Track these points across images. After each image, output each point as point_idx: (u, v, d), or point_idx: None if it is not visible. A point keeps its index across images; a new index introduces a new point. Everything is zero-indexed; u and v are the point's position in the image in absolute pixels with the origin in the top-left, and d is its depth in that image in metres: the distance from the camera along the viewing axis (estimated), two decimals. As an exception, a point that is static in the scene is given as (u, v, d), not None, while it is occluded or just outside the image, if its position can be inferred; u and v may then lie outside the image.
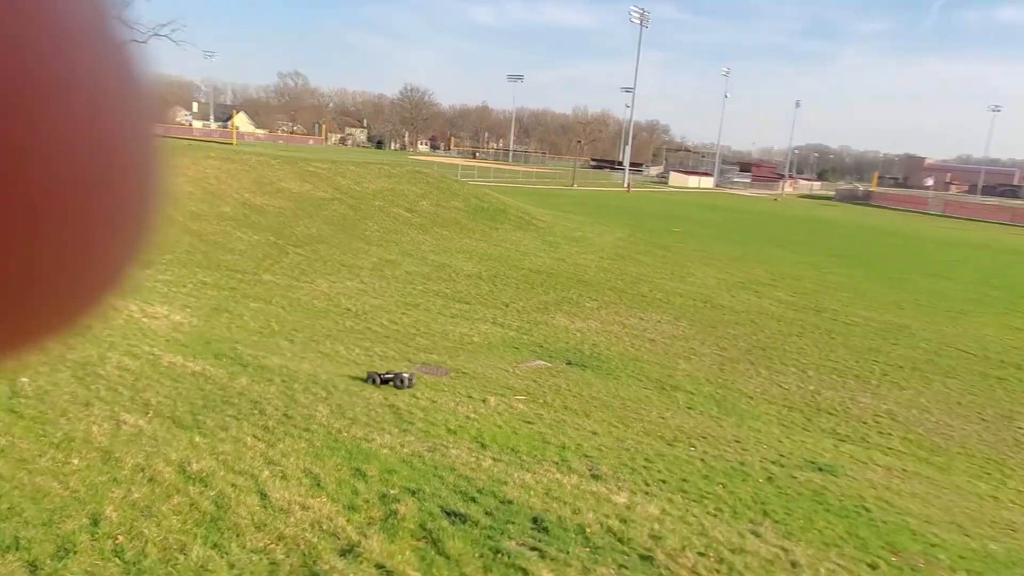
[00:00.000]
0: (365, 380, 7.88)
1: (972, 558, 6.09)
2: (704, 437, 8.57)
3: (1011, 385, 13.08)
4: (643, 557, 4.37)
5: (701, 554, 4.62)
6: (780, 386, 11.73)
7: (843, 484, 7.69)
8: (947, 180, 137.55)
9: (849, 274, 24.92)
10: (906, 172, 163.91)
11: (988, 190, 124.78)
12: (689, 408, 9.92)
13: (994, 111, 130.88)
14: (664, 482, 6.36)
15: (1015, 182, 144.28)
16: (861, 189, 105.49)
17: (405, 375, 8.00)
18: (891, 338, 15.73)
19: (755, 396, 11.03)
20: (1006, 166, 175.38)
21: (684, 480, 6.56)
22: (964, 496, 8.45)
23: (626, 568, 4.16)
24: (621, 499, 5.39)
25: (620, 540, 4.57)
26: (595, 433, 7.66)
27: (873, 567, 5.33)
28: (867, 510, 6.90)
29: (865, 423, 10.60)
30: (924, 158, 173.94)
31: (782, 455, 8.54)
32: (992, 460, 9.75)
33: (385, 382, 7.82)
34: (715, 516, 5.69)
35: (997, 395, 12.50)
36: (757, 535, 5.38)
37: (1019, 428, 11.01)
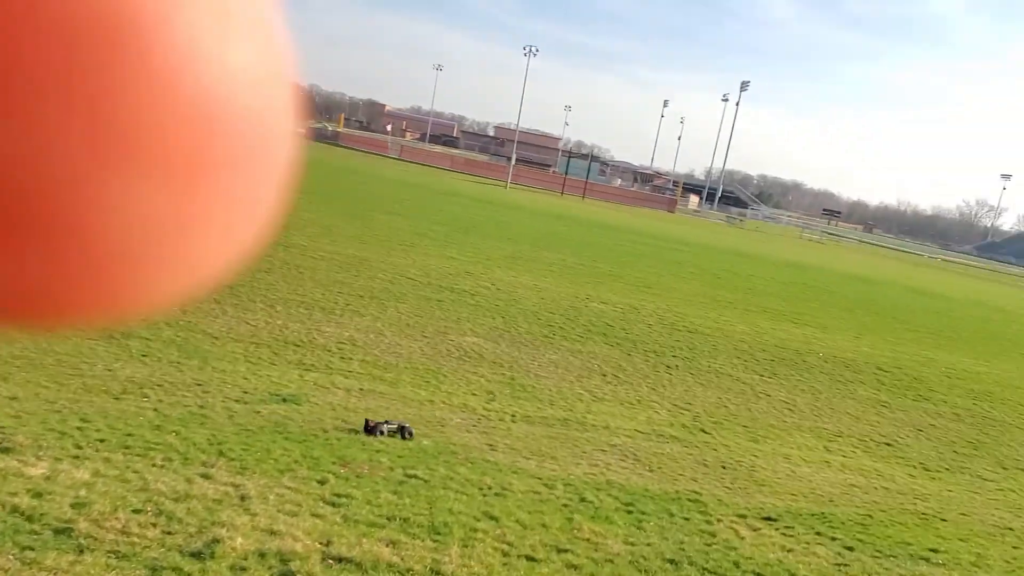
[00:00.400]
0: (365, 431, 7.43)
1: (409, 456, 6.96)
2: (160, 385, 7.92)
3: (446, 305, 15.44)
4: (59, 531, 3.74)
5: (136, 511, 4.18)
6: (248, 323, 11.61)
7: (305, 411, 7.98)
8: (403, 127, 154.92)
9: (317, 210, 26.08)
10: (369, 117, 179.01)
11: (434, 139, 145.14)
12: (144, 356, 9.05)
13: (438, 69, 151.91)
14: (103, 441, 5.63)
15: (454, 133, 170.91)
16: (330, 129, 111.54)
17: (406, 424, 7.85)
18: (354, 271, 17.01)
19: (221, 336, 10.69)
20: (448, 119, 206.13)
21: (129, 435, 5.92)
22: (409, 403, 9.63)
23: (32, 549, 3.49)
24: (38, 470, 4.55)
25: (29, 519, 3.82)
26: (14, 398, 6.36)
27: (323, 482, 5.63)
28: (324, 431, 7.28)
29: (329, 351, 11.22)
30: (384, 105, 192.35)
31: (246, 392, 8.45)
32: (431, 370, 11.35)
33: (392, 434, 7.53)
34: (162, 467, 5.27)
35: (436, 315, 14.61)
36: (208, 477, 5.16)
37: (451, 341, 13.05)
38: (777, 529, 6.99)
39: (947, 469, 10.75)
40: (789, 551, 6.30)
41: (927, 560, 6.57)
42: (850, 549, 6.61)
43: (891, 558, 6.54)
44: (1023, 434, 12.61)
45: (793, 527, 7.10)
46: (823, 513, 7.68)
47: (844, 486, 9.12)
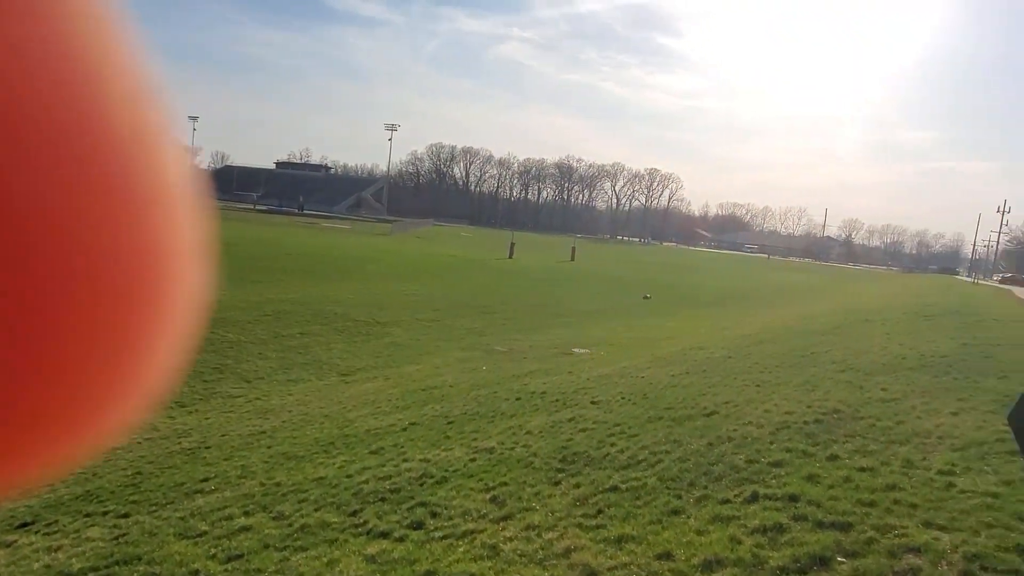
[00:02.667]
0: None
1: None
2: None
3: None
4: None
5: None
6: None
7: None
8: None
9: None
10: None
11: None
12: None
13: None
14: None
15: None
16: None
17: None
18: None
19: None
20: None
21: None
22: None
23: None
24: None
25: None
26: None
27: None
28: None
29: None
30: None
31: None
32: None
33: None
34: None
35: None
36: None
37: None
38: (38, 532, 6.00)
39: (201, 399, 11.24)
40: (57, 550, 5.46)
41: (201, 492, 6.68)
42: (125, 516, 6.18)
43: (167, 506, 6.40)
44: (256, 348, 14.19)
45: (57, 520, 6.22)
46: (88, 491, 6.97)
47: (106, 453, 8.51)
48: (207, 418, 10.19)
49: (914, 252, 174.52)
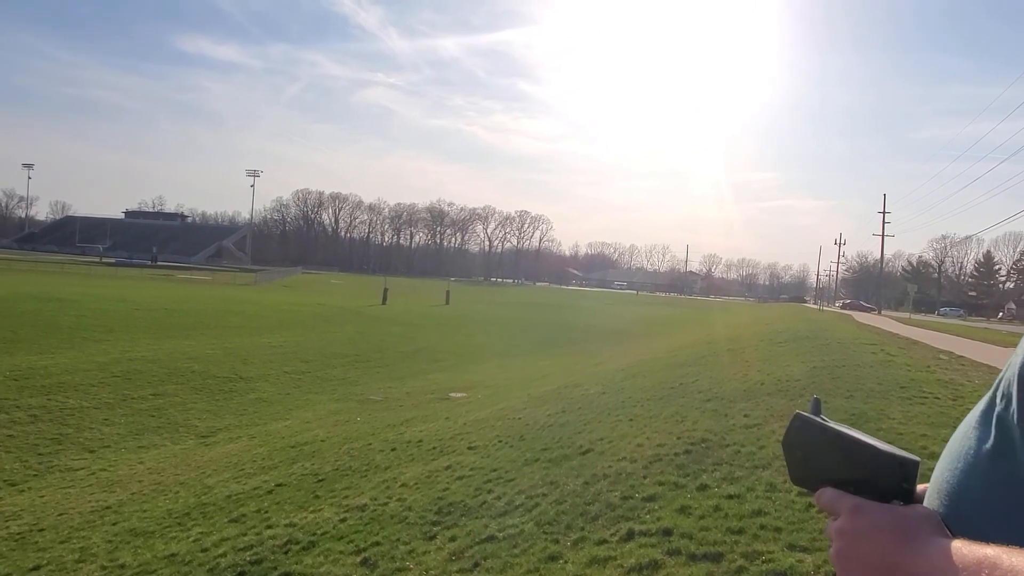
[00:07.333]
0: None
1: None
2: None
3: None
4: None
5: None
6: None
7: None
8: None
9: None
10: None
11: None
12: None
13: None
14: None
15: None
16: None
17: None
18: None
19: None
20: None
21: None
22: None
23: None
24: None
25: None
26: None
27: None
28: None
29: None
30: None
31: None
32: None
33: None
34: None
35: None
36: None
37: None
38: None
39: (35, 475, 10.07)
40: None
41: (29, 584, 5.88)
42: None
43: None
44: (100, 413, 12.96)
45: None
46: None
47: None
48: (42, 496, 9.11)
49: (767, 283, 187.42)
